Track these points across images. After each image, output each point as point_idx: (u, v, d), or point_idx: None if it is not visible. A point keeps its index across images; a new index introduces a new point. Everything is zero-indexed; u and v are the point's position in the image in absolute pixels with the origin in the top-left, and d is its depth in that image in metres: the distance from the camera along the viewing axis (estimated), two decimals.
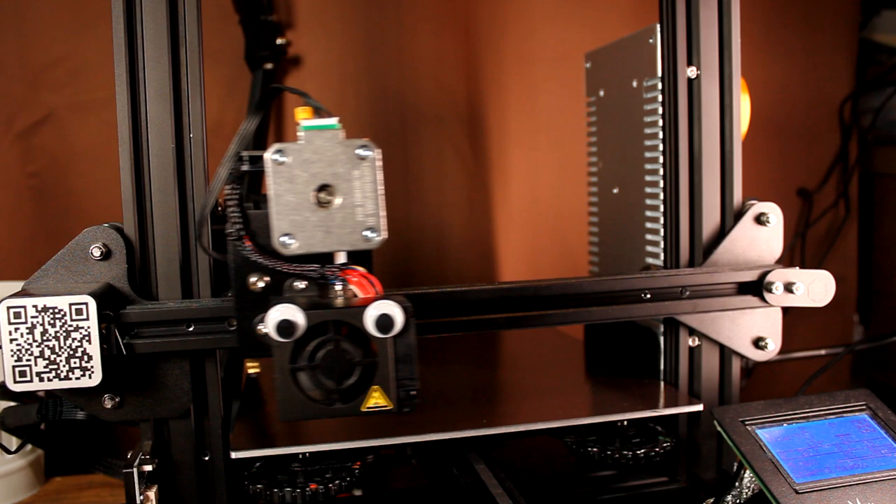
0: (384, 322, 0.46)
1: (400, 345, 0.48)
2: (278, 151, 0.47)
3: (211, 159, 0.58)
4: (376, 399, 0.48)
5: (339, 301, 0.49)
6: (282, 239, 0.47)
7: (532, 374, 0.79)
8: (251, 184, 0.55)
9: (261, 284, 0.51)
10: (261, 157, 0.49)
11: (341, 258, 0.50)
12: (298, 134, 0.47)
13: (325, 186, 0.47)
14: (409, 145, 1.12)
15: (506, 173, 1.13)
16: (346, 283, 0.49)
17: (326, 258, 0.50)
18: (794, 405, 0.56)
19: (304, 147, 0.47)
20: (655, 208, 0.69)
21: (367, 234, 0.48)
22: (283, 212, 0.47)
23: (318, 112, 0.48)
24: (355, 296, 0.49)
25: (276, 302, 0.47)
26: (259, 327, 0.51)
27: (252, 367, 0.54)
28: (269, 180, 0.47)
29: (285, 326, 0.46)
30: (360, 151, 0.47)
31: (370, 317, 0.46)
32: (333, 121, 0.48)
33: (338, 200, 0.47)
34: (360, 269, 0.50)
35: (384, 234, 0.48)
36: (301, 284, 0.51)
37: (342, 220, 0.47)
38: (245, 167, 0.50)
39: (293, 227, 0.47)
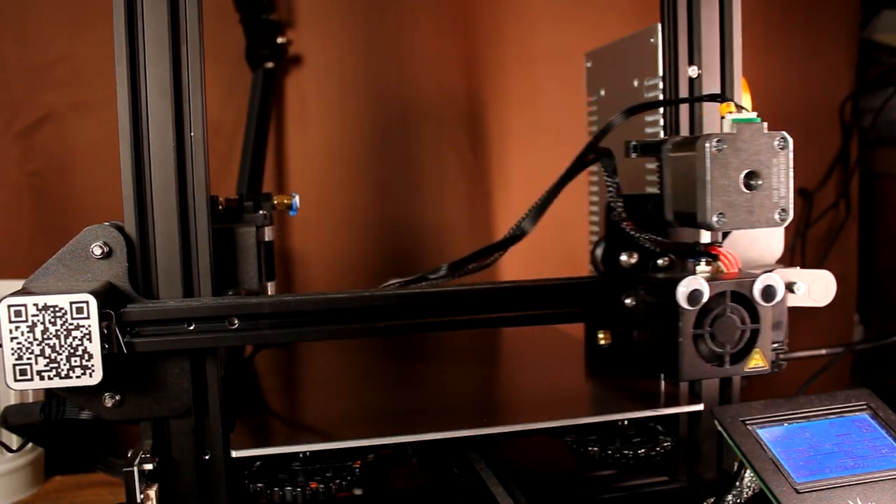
0: (769, 292, 0.54)
1: (776, 312, 0.55)
2: (719, 140, 0.52)
3: (211, 158, 0.58)
4: (756, 361, 0.55)
5: (706, 275, 0.55)
6: (715, 218, 0.52)
7: (532, 373, 0.79)
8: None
9: (632, 261, 0.61)
10: (655, 146, 0.58)
11: (706, 237, 0.57)
12: (727, 126, 0.53)
13: (751, 172, 0.53)
14: (409, 145, 1.12)
15: (506, 173, 1.13)
16: (716, 258, 0.56)
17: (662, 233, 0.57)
18: (794, 405, 0.56)
19: (736, 137, 0.53)
20: None
21: (780, 214, 0.54)
22: (718, 193, 0.52)
23: (739, 108, 0.55)
24: (719, 270, 0.56)
25: (680, 276, 0.53)
26: (627, 301, 0.59)
27: (604, 339, 0.65)
28: (707, 165, 0.52)
29: (695, 295, 0.52)
30: (779, 142, 0.53)
31: (758, 287, 0.54)
32: (754, 115, 0.54)
33: (759, 184, 0.53)
34: (723, 247, 0.57)
35: (791, 215, 0.54)
36: (661, 262, 0.61)
37: (762, 201, 0.53)
38: (634, 155, 0.58)
39: (725, 207, 0.53)
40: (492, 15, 1.11)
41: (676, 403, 0.64)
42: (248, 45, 1.06)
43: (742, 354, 0.54)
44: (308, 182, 1.10)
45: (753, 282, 0.53)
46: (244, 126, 1.05)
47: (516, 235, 0.61)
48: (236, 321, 0.55)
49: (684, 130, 0.65)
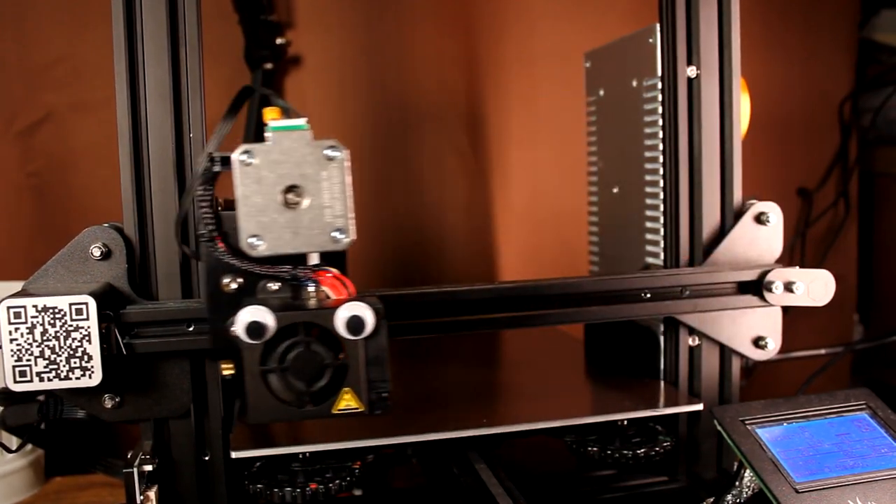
0: (355, 323, 0.46)
1: (371, 347, 0.47)
2: (246, 152, 0.46)
3: None
4: (347, 401, 0.48)
5: (311, 302, 0.49)
6: (249, 240, 0.47)
7: (532, 374, 0.79)
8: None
9: (234, 286, 0.51)
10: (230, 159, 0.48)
11: (314, 259, 0.49)
12: (266, 135, 0.47)
13: (292, 187, 0.47)
14: (409, 145, 1.12)
15: (506, 173, 1.13)
16: (319, 284, 0.49)
17: (300, 259, 0.49)
18: (794, 404, 0.56)
19: (272, 148, 0.46)
20: (655, 208, 0.69)
21: (336, 235, 0.47)
22: (251, 213, 0.46)
23: (287, 112, 0.48)
24: (328, 297, 0.49)
25: (247, 303, 0.46)
26: (232, 329, 0.50)
27: (227, 369, 0.56)
28: (237, 181, 0.46)
29: (255, 328, 0.46)
30: (329, 152, 0.47)
31: (341, 318, 0.46)
32: (302, 121, 0.47)
33: (306, 202, 0.47)
34: (333, 270, 0.50)
35: (353, 236, 0.48)
36: (274, 286, 0.51)
37: (310, 221, 0.47)
38: (217, 168, 0.49)
39: (261, 228, 0.47)
40: (492, 15, 1.11)
41: (676, 403, 0.64)
42: (247, 45, 1.05)
43: (326, 394, 0.47)
44: None
45: (333, 313, 0.46)
46: (244, 126, 1.05)
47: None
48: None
49: (683, 131, 0.65)
